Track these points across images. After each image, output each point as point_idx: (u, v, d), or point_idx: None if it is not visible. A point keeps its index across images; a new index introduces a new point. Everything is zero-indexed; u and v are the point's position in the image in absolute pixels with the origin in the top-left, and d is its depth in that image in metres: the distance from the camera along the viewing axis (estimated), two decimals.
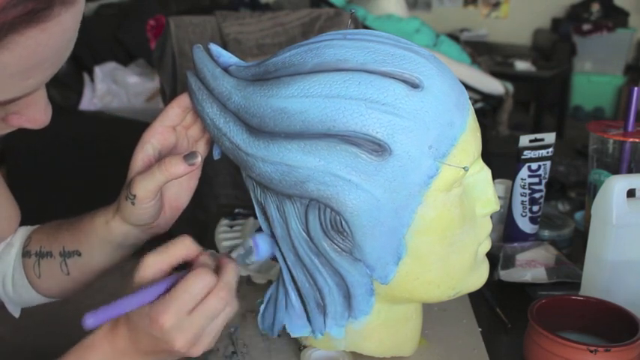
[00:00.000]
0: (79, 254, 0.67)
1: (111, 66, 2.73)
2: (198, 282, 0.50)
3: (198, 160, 0.57)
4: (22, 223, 0.71)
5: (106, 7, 3.09)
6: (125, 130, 2.58)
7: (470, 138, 0.54)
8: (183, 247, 0.54)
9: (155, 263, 0.53)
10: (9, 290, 0.71)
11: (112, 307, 0.50)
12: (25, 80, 0.41)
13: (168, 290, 0.51)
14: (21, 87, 0.42)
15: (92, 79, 2.67)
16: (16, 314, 0.73)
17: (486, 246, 0.60)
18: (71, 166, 2.57)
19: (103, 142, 2.59)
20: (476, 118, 0.57)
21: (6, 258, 0.70)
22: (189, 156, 0.57)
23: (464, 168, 0.53)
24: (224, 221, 0.96)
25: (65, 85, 2.62)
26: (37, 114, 0.46)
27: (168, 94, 1.77)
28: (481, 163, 0.58)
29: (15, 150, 2.60)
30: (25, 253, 0.69)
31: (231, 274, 0.53)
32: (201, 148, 0.64)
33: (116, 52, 2.82)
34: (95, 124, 2.60)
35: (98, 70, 2.68)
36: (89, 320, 0.49)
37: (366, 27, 2.16)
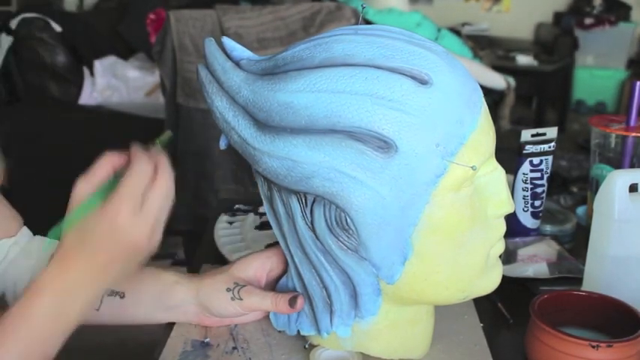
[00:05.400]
0: (122, 296, 0.65)
1: (111, 60, 2.72)
2: (141, 165, 0.52)
3: (298, 306, 0.60)
4: (23, 218, 0.70)
5: (106, 0, 3.08)
6: (125, 125, 2.59)
7: (481, 137, 0.53)
8: (109, 162, 0.55)
9: (87, 185, 0.54)
10: (20, 297, 0.69)
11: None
12: None
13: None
14: None
15: (92, 73, 2.67)
16: None
17: (499, 248, 0.58)
18: (71, 161, 2.56)
19: (102, 137, 2.58)
20: (489, 117, 0.55)
21: (21, 265, 0.68)
22: (293, 300, 0.60)
23: (472, 167, 0.52)
24: (224, 217, 0.96)
25: (65, 79, 2.62)
26: None
27: (168, 88, 1.77)
28: (494, 163, 0.57)
29: (15, 145, 2.60)
30: None
31: (164, 157, 0.55)
32: None
33: (116, 46, 2.81)
34: (95, 118, 2.60)
35: (98, 64, 2.67)
36: None
37: (367, 21, 2.15)
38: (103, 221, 0.51)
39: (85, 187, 0.54)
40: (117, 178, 0.54)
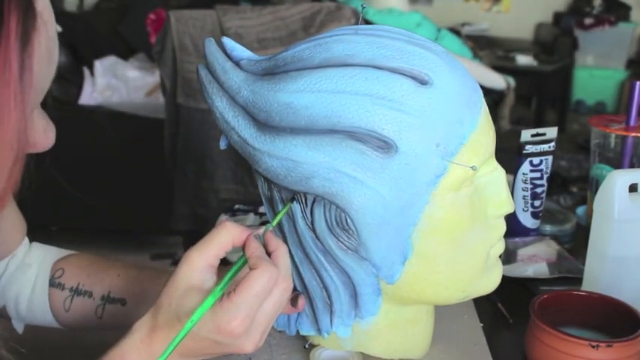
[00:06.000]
0: (124, 303, 0.65)
1: (111, 60, 2.72)
2: (263, 280, 0.48)
3: (300, 306, 0.58)
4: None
5: (106, 0, 3.08)
6: (125, 125, 2.59)
7: (481, 137, 0.53)
8: (228, 235, 0.51)
9: (201, 259, 0.50)
10: (22, 310, 0.68)
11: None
12: None
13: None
14: None
15: (92, 74, 2.66)
16: (20, 330, 0.70)
17: (499, 248, 0.59)
18: (71, 161, 2.56)
19: (102, 137, 2.58)
20: (489, 117, 0.55)
21: (21, 278, 0.68)
22: (294, 300, 0.58)
23: (472, 167, 0.52)
24: (224, 217, 0.96)
25: (65, 80, 2.61)
26: (36, 138, 0.43)
27: (168, 89, 1.77)
28: (494, 163, 0.57)
29: None
30: (57, 285, 0.68)
31: (286, 259, 0.51)
32: None
33: (116, 46, 2.81)
34: (95, 118, 2.59)
35: (98, 64, 2.67)
36: None
37: (367, 21, 2.15)
38: (211, 323, 0.48)
39: (198, 262, 0.50)
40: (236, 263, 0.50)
